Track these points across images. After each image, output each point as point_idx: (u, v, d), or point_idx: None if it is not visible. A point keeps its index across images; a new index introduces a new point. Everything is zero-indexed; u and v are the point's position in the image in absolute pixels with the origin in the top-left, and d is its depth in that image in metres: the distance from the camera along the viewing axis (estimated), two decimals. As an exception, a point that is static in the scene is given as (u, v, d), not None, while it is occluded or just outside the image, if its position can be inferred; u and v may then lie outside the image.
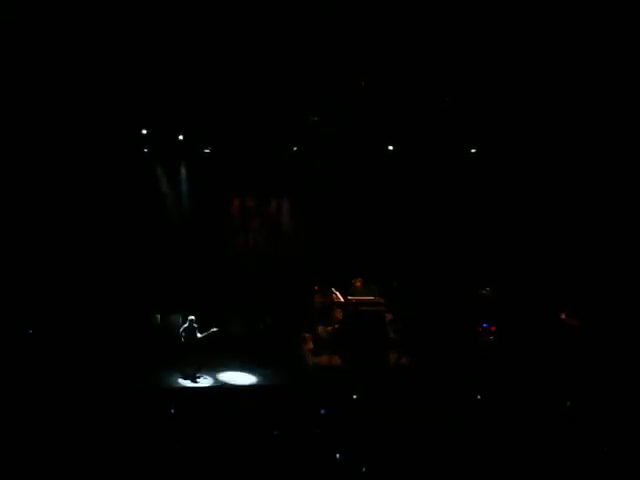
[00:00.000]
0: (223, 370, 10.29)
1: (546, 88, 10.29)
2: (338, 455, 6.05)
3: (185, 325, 10.17)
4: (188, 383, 9.64)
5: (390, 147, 12.25)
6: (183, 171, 12.61)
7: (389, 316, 10.69)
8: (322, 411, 7.27)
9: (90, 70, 9.78)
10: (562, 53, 9.49)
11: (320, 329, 11.07)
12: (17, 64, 9.42)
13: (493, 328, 10.91)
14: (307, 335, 11.49)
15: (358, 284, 10.96)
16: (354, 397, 8.25)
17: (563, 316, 10.41)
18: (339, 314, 10.92)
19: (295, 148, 12.48)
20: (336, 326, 10.93)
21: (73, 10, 8.53)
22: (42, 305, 10.98)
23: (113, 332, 10.89)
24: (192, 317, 10.19)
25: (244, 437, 6.38)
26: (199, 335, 10.07)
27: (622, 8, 8.37)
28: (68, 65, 9.63)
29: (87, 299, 11.39)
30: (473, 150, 12.23)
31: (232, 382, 9.93)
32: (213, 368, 10.21)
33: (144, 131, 11.50)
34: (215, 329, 10.23)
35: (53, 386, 8.49)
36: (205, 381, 9.80)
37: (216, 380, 9.93)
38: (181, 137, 11.73)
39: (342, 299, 10.79)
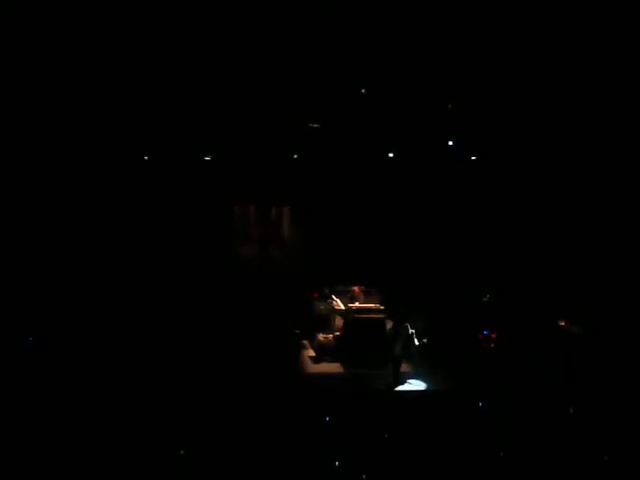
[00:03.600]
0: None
1: (548, 94, 10.32)
2: (337, 463, 6.01)
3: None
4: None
5: (390, 154, 12.28)
6: (182, 178, 12.62)
7: (389, 324, 10.67)
8: (327, 418, 7.20)
9: (89, 74, 9.80)
10: (565, 58, 9.51)
11: (320, 336, 11.04)
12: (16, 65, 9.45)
13: (494, 335, 10.87)
14: (307, 342, 11.46)
15: (358, 291, 10.96)
16: (355, 404, 8.19)
17: (564, 323, 10.39)
18: (339, 321, 10.91)
19: (295, 155, 12.50)
20: (336, 333, 10.92)
21: (72, 10, 8.57)
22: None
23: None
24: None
25: (242, 444, 6.34)
26: (416, 342, 9.81)
27: (623, 10, 8.38)
28: (67, 66, 9.64)
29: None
30: (473, 157, 12.26)
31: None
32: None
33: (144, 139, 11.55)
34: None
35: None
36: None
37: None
38: (181, 144, 11.77)
39: (342, 306, 10.78)
